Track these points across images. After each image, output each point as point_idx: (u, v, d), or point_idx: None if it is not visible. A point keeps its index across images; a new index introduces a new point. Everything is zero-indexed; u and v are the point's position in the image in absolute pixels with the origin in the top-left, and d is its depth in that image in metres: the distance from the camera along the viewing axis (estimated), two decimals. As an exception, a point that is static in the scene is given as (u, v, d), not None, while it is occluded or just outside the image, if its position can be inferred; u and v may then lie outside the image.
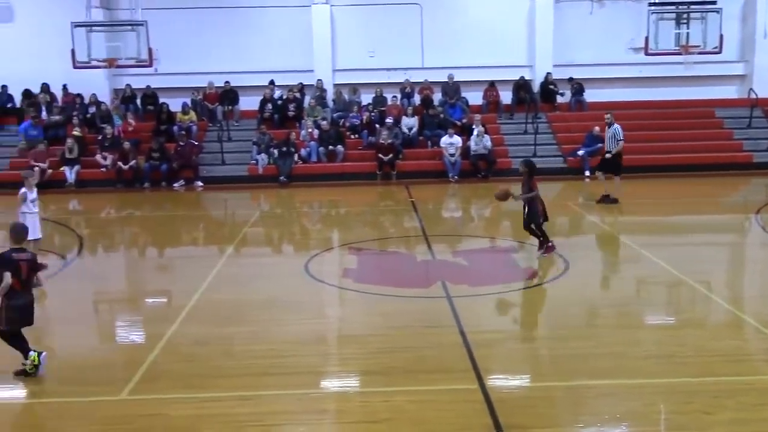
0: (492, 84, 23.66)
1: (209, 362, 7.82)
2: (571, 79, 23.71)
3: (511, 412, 6.48)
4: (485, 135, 21.05)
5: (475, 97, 23.66)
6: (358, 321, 9.28)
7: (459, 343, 8.10)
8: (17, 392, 7.46)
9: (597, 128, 21.34)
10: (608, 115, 16.98)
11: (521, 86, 23.57)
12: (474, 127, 21.20)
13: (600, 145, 21.24)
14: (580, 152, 21.13)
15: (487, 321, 9.12)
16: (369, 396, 6.95)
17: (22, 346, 7.45)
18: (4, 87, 22.81)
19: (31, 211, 11.38)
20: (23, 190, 11.39)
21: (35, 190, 11.64)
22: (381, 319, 9.11)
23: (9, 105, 22.90)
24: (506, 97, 23.71)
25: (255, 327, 8.93)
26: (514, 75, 23.65)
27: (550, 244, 11.73)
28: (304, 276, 11.18)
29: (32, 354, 7.41)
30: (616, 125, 16.59)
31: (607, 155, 16.56)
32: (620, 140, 16.44)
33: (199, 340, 8.50)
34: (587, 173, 20.62)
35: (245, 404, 6.77)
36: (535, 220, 11.66)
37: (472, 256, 12.60)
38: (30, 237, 11.28)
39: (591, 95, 23.71)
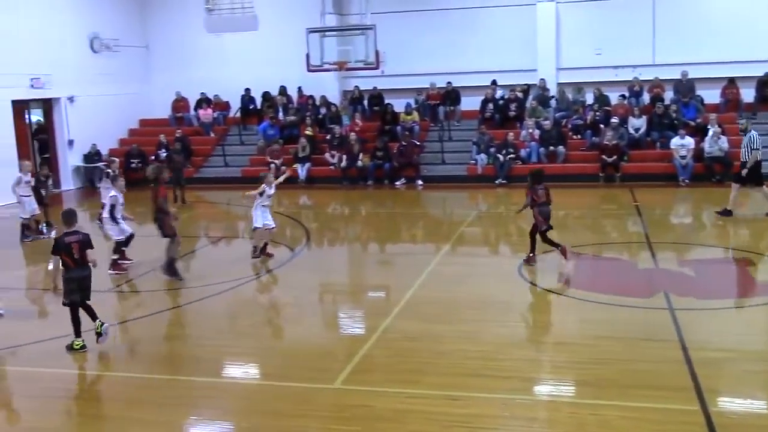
0: (732, 81, 21.82)
1: (419, 358, 7.97)
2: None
3: (737, 440, 5.95)
4: (722, 136, 19.47)
5: (711, 96, 21.96)
6: (571, 328, 8.99)
7: (679, 359, 7.58)
8: (244, 371, 8.11)
9: None
10: (743, 120, 15.09)
11: (766, 82, 21.53)
12: (709, 127, 19.70)
13: None
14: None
15: (715, 337, 8.43)
16: (578, 407, 6.71)
17: (76, 327, 8.45)
18: (248, 90, 24.81)
19: (264, 203, 12.53)
20: (263, 186, 12.50)
21: (273, 186, 12.80)
22: (595, 327, 8.77)
23: (251, 107, 24.88)
24: (748, 94, 21.77)
25: (466, 326, 8.97)
26: (758, 71, 21.62)
27: (562, 247, 11.66)
28: (517, 278, 11.05)
29: (79, 340, 8.44)
30: (752, 132, 14.96)
31: (744, 170, 14.71)
32: (755, 149, 14.71)
33: (411, 335, 8.70)
34: None
35: (452, 404, 6.82)
36: (537, 229, 11.66)
37: (701, 266, 11.75)
38: (261, 225, 12.32)
39: None
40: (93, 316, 8.55)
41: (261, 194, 12.48)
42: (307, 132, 22.65)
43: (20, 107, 21.22)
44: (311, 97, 24.31)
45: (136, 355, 8.74)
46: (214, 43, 25.01)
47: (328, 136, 22.50)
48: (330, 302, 11.11)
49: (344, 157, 21.57)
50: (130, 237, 12.52)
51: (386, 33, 21.59)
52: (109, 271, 12.08)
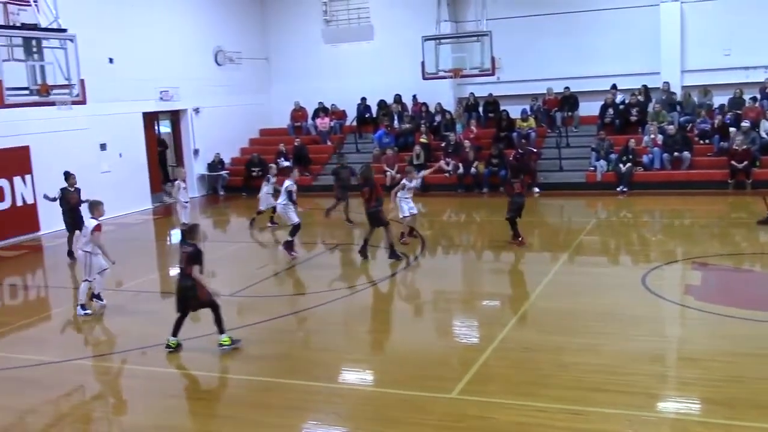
0: None
1: (538, 370, 7.78)
2: None
3: None
4: None
5: None
6: (701, 343, 8.55)
7: (824, 380, 7.06)
8: (361, 377, 8.17)
9: None
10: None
11: None
12: None
13: None
14: None
15: None
16: (710, 428, 6.36)
17: (175, 327, 8.87)
18: (363, 99, 25.14)
19: (405, 196, 14.29)
20: (404, 181, 14.11)
21: (414, 181, 14.61)
22: (727, 343, 8.30)
23: (367, 115, 25.19)
24: None
25: (587, 339, 8.70)
26: None
27: (520, 239, 13.84)
28: (641, 289, 10.62)
29: (172, 340, 8.86)
30: None
31: None
32: None
33: (530, 346, 8.51)
34: None
35: (574, 419, 6.62)
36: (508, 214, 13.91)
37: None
38: (407, 214, 14.27)
39: None
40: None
41: (403, 188, 14.25)
42: (422, 139, 22.71)
43: (150, 118, 22.32)
44: (425, 104, 24.36)
45: (258, 358, 8.96)
46: (331, 54, 25.59)
47: (443, 144, 22.47)
48: (445, 310, 11.03)
49: (459, 164, 21.48)
50: (298, 226, 13.63)
51: (502, 39, 21.36)
52: (281, 247, 13.53)
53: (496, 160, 21.19)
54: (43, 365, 8.93)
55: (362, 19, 25.63)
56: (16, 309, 12.12)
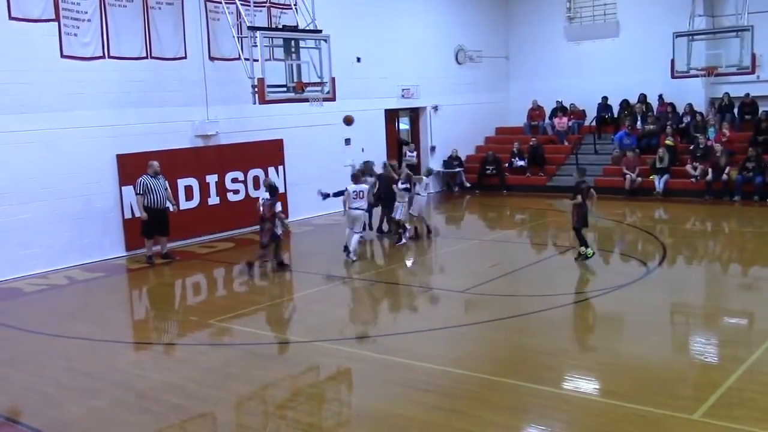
0: None
1: (797, 400, 7.00)
2: None
3: None
4: None
5: None
6: None
7: None
8: (589, 386, 7.85)
9: None
10: None
11: None
12: None
13: None
14: None
15: None
16: None
17: None
18: (604, 98, 24.19)
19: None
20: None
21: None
22: None
23: (607, 115, 24.22)
24: None
25: None
26: None
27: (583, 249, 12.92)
28: None
29: None
30: None
31: None
32: None
33: (786, 373, 7.69)
34: None
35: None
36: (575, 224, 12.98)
37: None
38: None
39: None
40: None
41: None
42: (667, 142, 21.41)
43: (392, 115, 23.13)
44: (672, 104, 22.95)
45: (483, 356, 8.95)
46: (572, 51, 25.01)
47: (691, 147, 21.02)
48: (683, 324, 10.32)
49: (708, 169, 19.97)
50: None
51: (765, 33, 19.55)
52: None
53: (752, 166, 19.43)
54: (285, 343, 9.61)
55: (608, 16, 24.71)
56: (265, 290, 13.12)
